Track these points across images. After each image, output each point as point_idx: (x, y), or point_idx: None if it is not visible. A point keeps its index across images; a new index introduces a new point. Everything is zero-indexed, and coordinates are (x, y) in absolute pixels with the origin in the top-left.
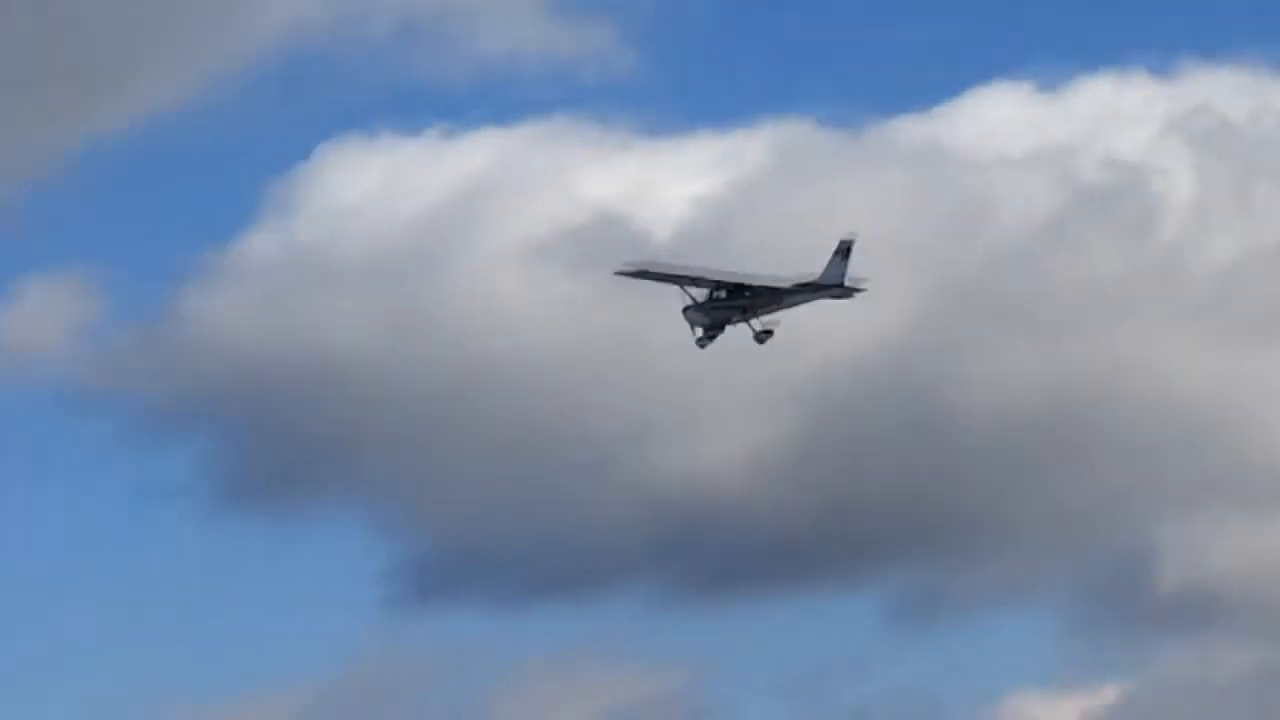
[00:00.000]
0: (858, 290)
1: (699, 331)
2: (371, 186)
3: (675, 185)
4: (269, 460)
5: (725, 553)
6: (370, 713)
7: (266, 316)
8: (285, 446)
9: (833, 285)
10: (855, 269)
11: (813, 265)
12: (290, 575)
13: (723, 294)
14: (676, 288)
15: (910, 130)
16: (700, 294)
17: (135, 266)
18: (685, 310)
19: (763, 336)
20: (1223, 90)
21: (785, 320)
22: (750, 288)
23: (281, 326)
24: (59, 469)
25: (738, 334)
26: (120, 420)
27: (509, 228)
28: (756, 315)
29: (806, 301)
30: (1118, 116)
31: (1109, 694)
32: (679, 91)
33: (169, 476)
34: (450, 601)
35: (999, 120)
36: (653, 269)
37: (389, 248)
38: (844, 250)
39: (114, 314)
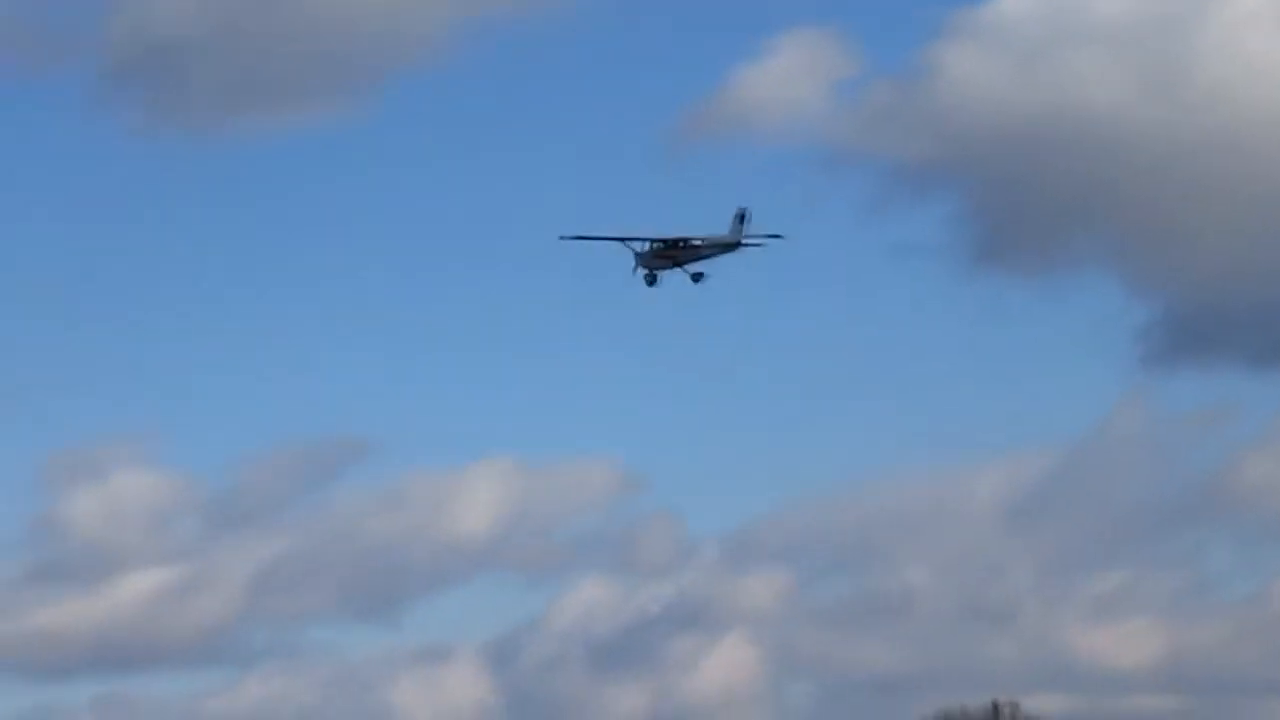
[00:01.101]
0: (756, 244)
1: (642, 275)
2: None
3: None
4: (1021, 218)
5: None
6: (1122, 472)
7: (1019, 74)
8: (1037, 205)
9: (735, 243)
10: None
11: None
12: (1041, 334)
13: (660, 246)
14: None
15: None
16: (641, 248)
17: (890, 23)
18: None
19: (697, 278)
20: None
21: None
22: (680, 242)
23: (1034, 84)
24: (812, 225)
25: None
26: (874, 178)
27: None
28: (682, 265)
29: (718, 255)
30: None
31: None
32: None
33: (922, 234)
34: (1200, 361)
35: None
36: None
37: (1142, 6)
38: (741, 216)
39: (868, 71)
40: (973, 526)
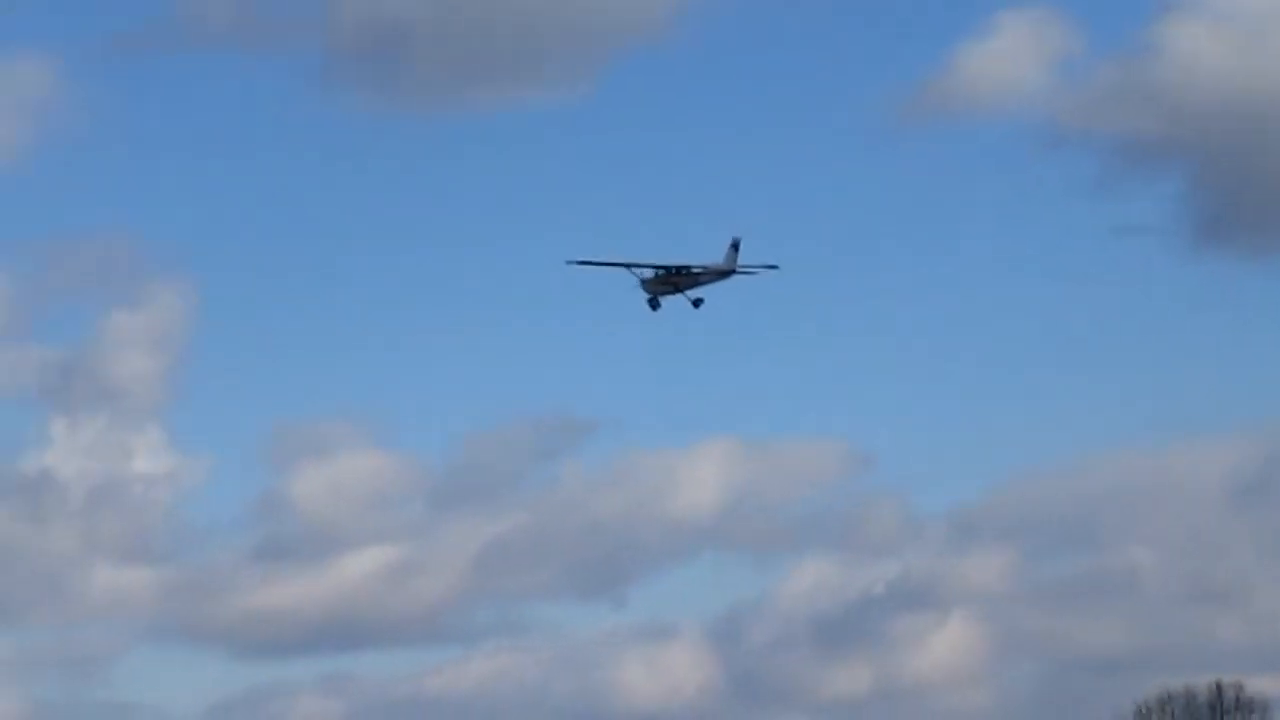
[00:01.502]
0: (750, 272)
1: (646, 300)
2: None
3: None
4: (1245, 197)
5: None
6: None
7: (1244, 51)
8: (1261, 183)
9: (729, 270)
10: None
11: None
12: (1265, 313)
13: (660, 274)
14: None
15: None
16: (646, 274)
17: (1114, 0)
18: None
19: (697, 303)
20: None
21: None
22: (679, 269)
23: (1259, 61)
24: (1035, 205)
25: None
26: (1097, 156)
27: None
28: (683, 291)
29: (714, 281)
30: None
31: None
32: None
33: (1145, 214)
34: None
35: None
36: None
37: None
38: (735, 245)
39: (1092, 49)
40: (1198, 506)
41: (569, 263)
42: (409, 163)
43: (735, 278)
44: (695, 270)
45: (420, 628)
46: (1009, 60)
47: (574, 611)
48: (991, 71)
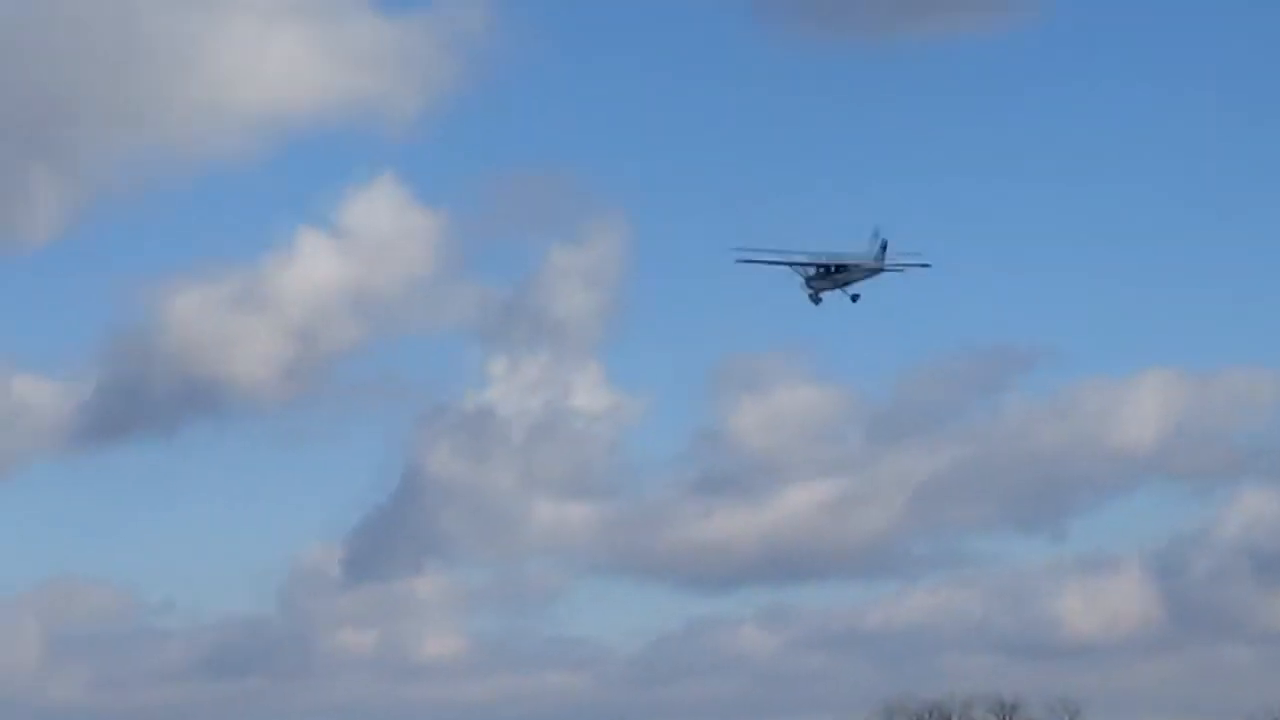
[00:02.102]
0: (898, 269)
1: (811, 293)
2: None
3: None
4: None
5: None
6: None
7: None
8: None
9: (878, 268)
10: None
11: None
12: None
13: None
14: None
15: None
16: (808, 271)
17: None
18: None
19: (854, 299)
20: None
21: None
22: (835, 266)
23: None
24: None
25: None
26: None
27: None
28: (841, 286)
29: (867, 278)
30: None
31: None
32: None
33: None
34: None
35: None
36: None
37: None
38: (883, 245)
39: None
40: None
41: (737, 261)
42: (845, 96)
43: (884, 274)
44: (850, 266)
45: (859, 561)
46: None
47: (1013, 544)
48: None
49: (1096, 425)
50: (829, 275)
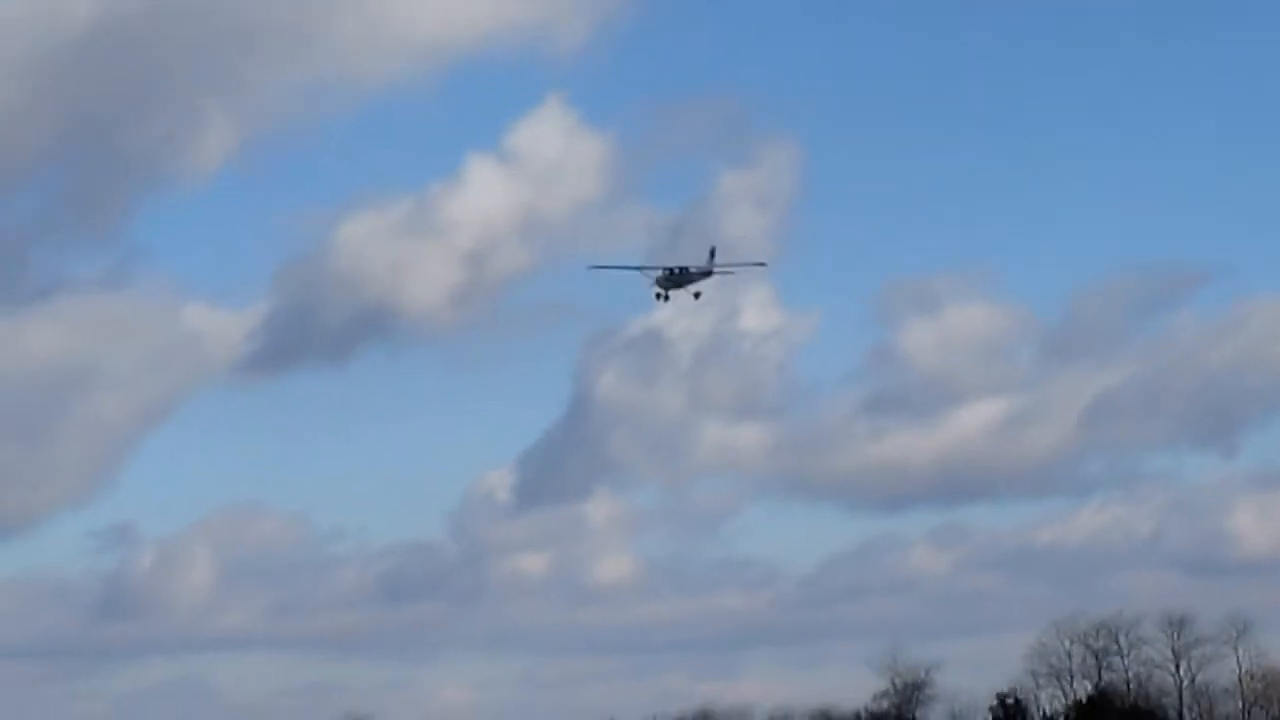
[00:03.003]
0: (728, 272)
1: (658, 293)
2: None
3: None
4: None
5: None
6: None
7: None
8: None
9: (709, 271)
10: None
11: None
12: None
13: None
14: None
15: None
16: (657, 274)
17: None
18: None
19: (697, 296)
20: None
21: None
22: (677, 270)
23: None
24: None
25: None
26: None
27: None
28: (683, 286)
29: (702, 279)
30: None
31: None
32: None
33: None
34: None
35: None
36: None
37: None
38: (711, 252)
39: None
40: None
41: (589, 267)
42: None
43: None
44: (688, 270)
45: (1031, 480)
46: None
47: (1185, 461)
48: None
49: (1268, 342)
50: (672, 278)
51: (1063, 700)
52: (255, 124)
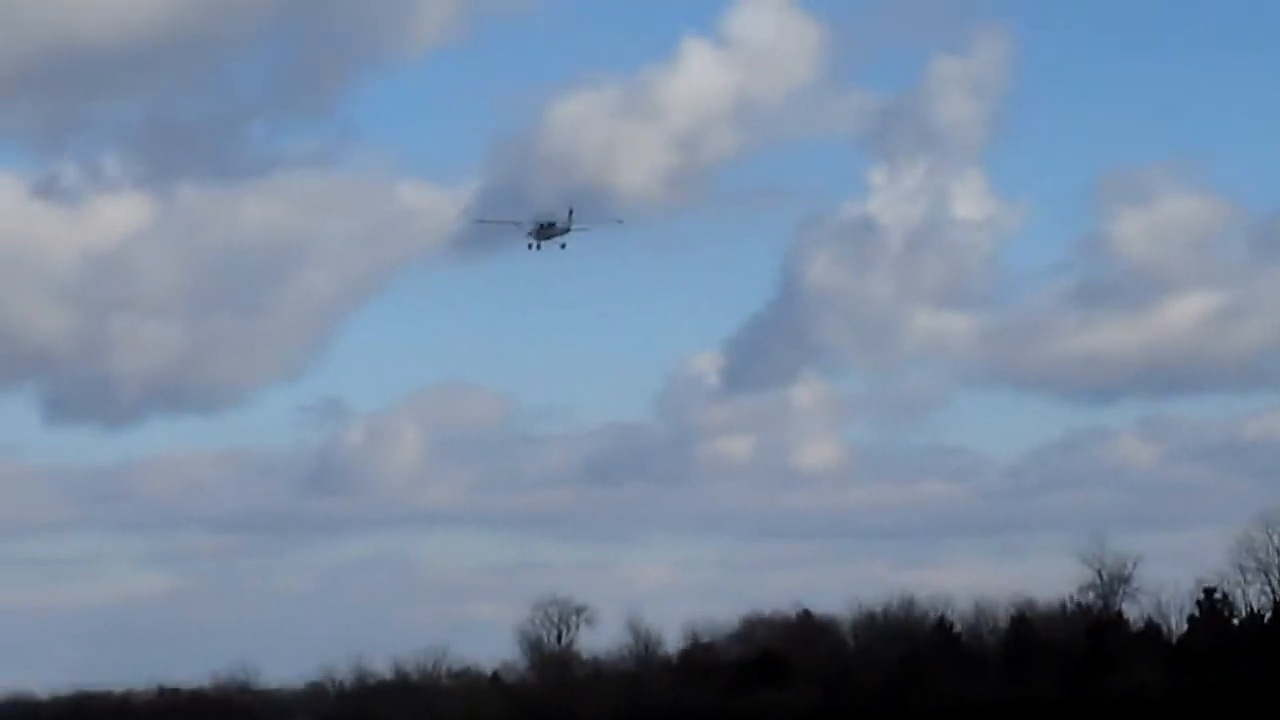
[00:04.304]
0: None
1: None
2: None
3: None
4: None
5: None
6: None
7: None
8: None
9: (569, 228)
10: None
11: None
12: None
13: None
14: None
15: None
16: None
17: None
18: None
19: (562, 246)
20: None
21: None
22: (545, 225)
23: None
24: None
25: None
26: None
27: None
28: (549, 239)
29: (564, 234)
30: None
31: None
32: None
33: None
34: None
35: None
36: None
37: None
38: (570, 212)
39: None
40: None
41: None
42: None
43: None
44: (554, 225)
45: (1239, 373)
46: None
47: None
48: None
49: None
50: (542, 231)
51: (1270, 594)
52: (470, 1)
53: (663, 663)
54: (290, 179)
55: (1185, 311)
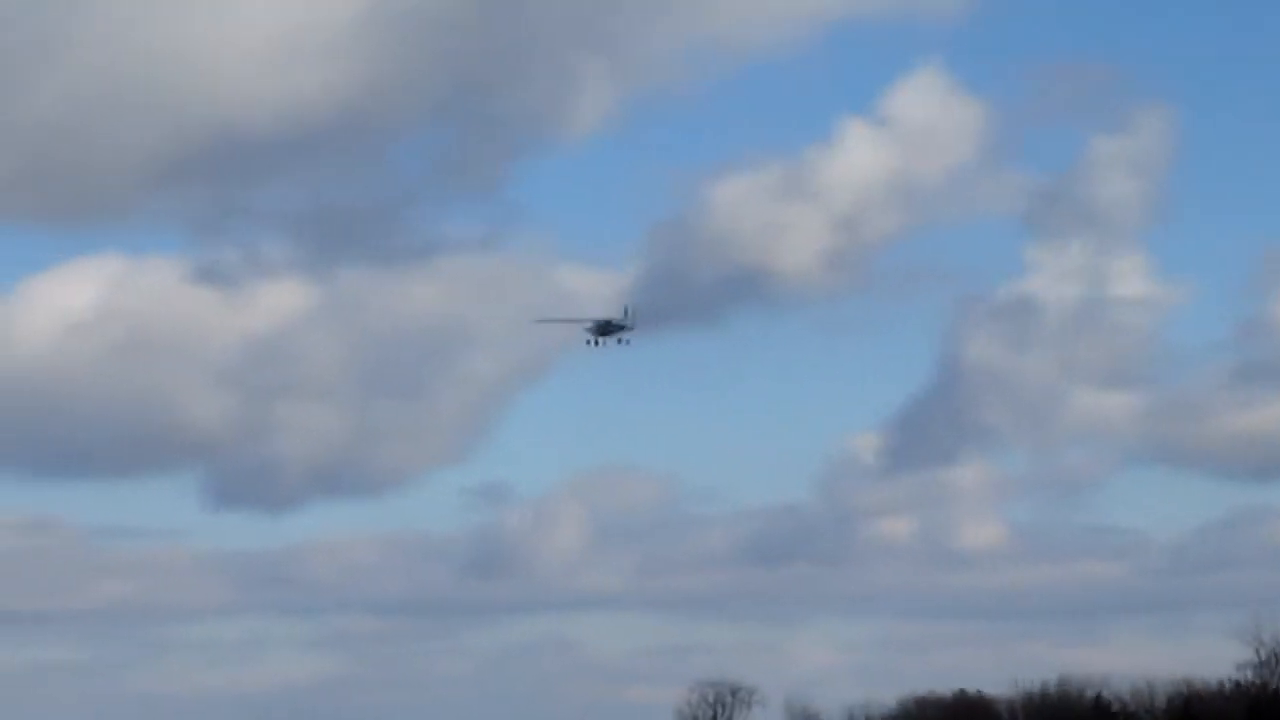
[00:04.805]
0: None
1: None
2: None
3: None
4: None
5: None
6: None
7: None
8: None
9: (626, 325)
10: None
11: None
12: None
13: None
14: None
15: None
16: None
17: None
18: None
19: (621, 342)
20: None
21: None
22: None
23: None
24: None
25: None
26: None
27: None
28: (609, 335)
29: (621, 331)
30: None
31: None
32: None
33: None
34: None
35: None
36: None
37: None
38: (625, 310)
39: None
40: None
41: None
42: None
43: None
44: (613, 323)
45: None
46: None
47: None
48: None
49: None
50: (602, 330)
51: None
52: (632, 85)
53: None
54: (452, 262)
55: None
